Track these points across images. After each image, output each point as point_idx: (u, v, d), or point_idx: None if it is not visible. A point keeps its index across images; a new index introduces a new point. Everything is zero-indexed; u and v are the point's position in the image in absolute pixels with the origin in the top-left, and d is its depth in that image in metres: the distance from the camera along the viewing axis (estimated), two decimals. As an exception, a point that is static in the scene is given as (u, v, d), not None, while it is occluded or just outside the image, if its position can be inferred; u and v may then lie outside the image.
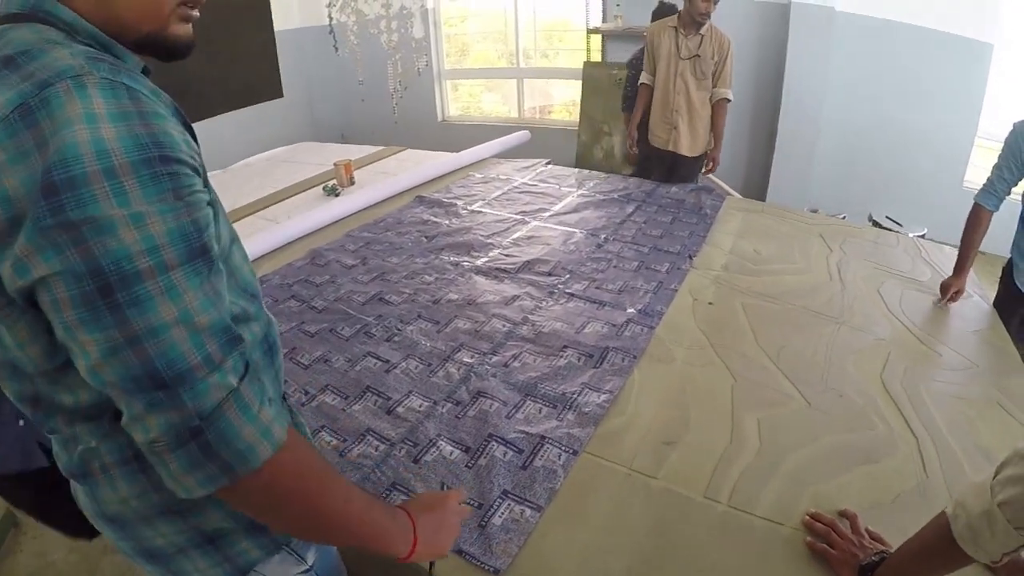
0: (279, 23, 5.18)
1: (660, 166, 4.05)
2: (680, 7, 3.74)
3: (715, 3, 3.57)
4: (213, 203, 0.79)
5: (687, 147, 3.90)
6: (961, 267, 2.37)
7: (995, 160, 2.34)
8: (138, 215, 0.65)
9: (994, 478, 0.90)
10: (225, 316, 0.73)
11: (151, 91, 0.71)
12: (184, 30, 0.82)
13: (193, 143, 0.75)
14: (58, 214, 0.62)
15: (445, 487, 1.15)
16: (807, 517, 1.35)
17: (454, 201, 3.32)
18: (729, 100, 3.84)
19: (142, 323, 0.65)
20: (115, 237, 0.64)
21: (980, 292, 2.45)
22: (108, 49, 0.75)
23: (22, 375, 0.78)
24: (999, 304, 2.40)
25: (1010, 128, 2.28)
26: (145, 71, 0.82)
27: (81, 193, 0.62)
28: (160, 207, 0.66)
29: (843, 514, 1.36)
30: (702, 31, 3.67)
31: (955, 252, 2.43)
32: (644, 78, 3.97)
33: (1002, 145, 2.30)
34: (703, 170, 4.05)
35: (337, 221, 3.15)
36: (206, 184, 0.76)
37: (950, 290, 2.35)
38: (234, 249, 0.93)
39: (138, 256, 0.65)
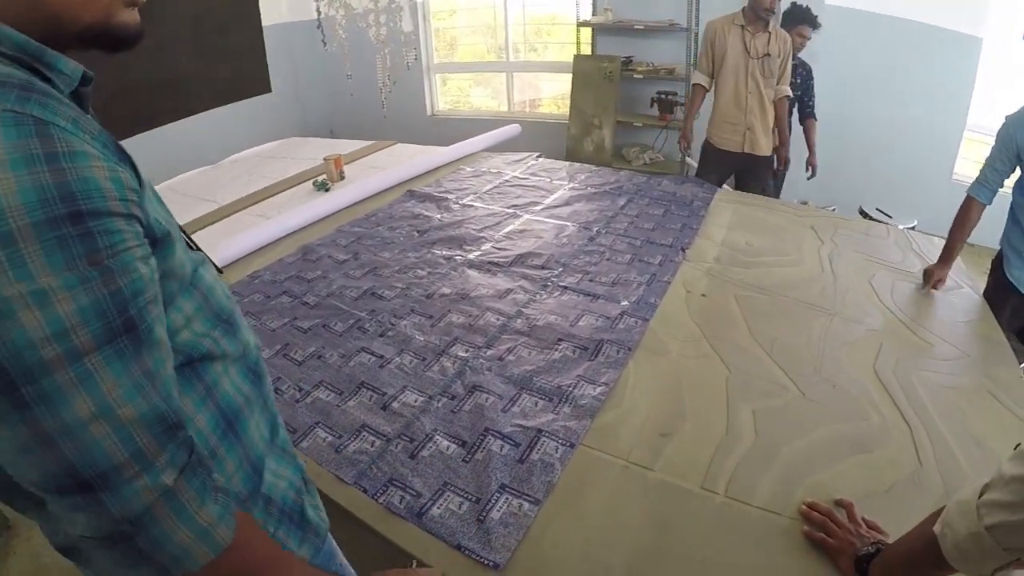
0: (267, 18, 5.16)
1: (727, 168, 3.91)
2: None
3: None
4: (162, 240, 0.70)
5: (765, 146, 3.79)
6: (947, 257, 2.39)
7: (987, 153, 2.36)
8: (40, 292, 0.55)
9: (979, 497, 0.91)
10: (161, 400, 0.63)
11: (71, 121, 0.60)
12: (131, 16, 0.73)
13: (131, 180, 0.64)
14: None
15: (415, 564, 1.12)
16: (804, 507, 1.35)
17: (445, 195, 3.32)
18: (790, 97, 3.77)
19: (53, 422, 0.56)
20: (13, 321, 0.54)
21: (970, 283, 2.47)
22: (39, 58, 0.64)
23: None
24: (989, 295, 2.41)
25: (1001, 121, 2.30)
26: (86, 80, 0.70)
27: None
28: (68, 279, 0.56)
29: (839, 503, 1.36)
30: (769, 28, 3.55)
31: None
32: (699, 79, 3.82)
33: (994, 138, 2.32)
34: (779, 168, 4.00)
35: (328, 216, 3.13)
36: (148, 225, 0.66)
37: (933, 278, 2.38)
38: (202, 273, 0.82)
39: (43, 343, 0.55)
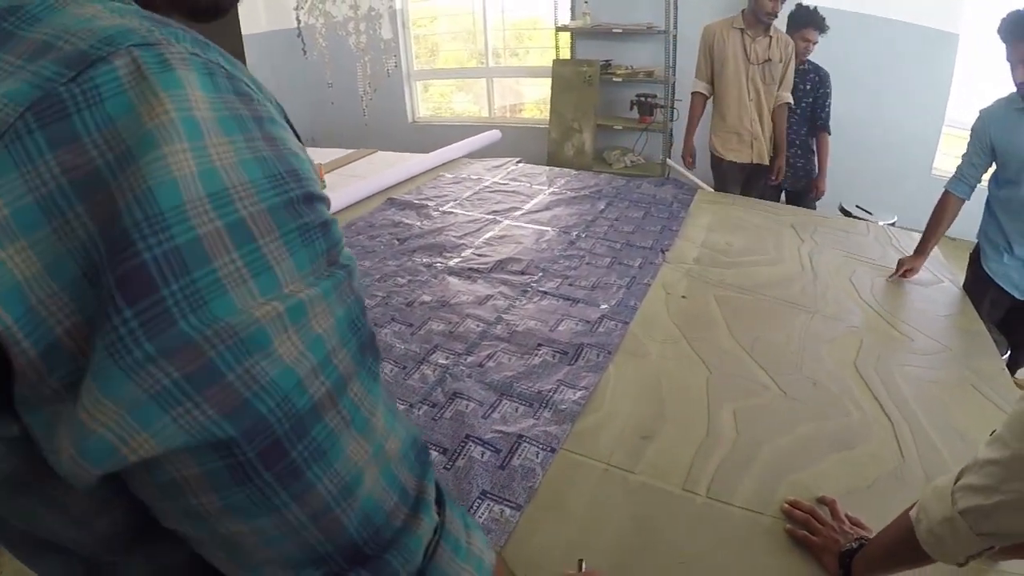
0: (246, 27, 5.13)
1: (735, 179, 3.74)
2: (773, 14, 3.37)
3: (782, 2, 3.32)
4: None
5: (766, 156, 3.66)
6: (921, 250, 2.41)
7: (963, 149, 2.38)
8: (298, 308, 0.39)
9: (955, 483, 0.91)
10: (404, 418, 0.50)
11: (252, 81, 0.43)
12: None
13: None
14: (159, 331, 0.34)
15: (583, 565, 1.09)
16: (786, 505, 1.35)
17: (425, 202, 3.30)
18: (790, 104, 3.62)
19: (329, 483, 0.41)
20: (270, 356, 0.37)
21: (951, 277, 2.48)
22: None
23: (67, 552, 0.49)
24: (968, 288, 2.43)
25: (976, 115, 2.33)
26: None
27: (196, 280, 0.35)
28: (322, 284, 0.41)
29: (822, 501, 1.36)
30: (770, 32, 3.40)
31: (924, 237, 2.46)
32: (698, 86, 3.66)
33: (969, 133, 2.34)
34: (776, 179, 3.77)
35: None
36: None
37: (903, 267, 2.39)
38: None
39: (310, 379, 0.39)
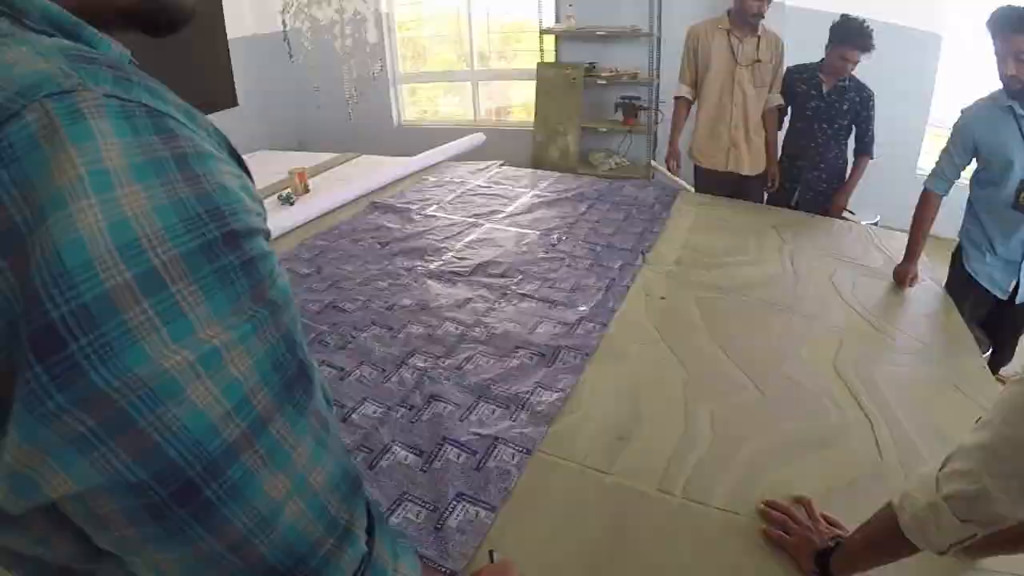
0: (232, 31, 5.12)
1: (718, 190, 3.49)
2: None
3: (768, 2, 3.17)
4: None
5: (750, 166, 3.45)
6: (912, 252, 2.41)
7: (943, 146, 2.39)
8: (211, 354, 0.39)
9: (940, 470, 0.91)
10: (341, 451, 0.50)
11: (184, 112, 0.44)
12: None
13: (252, 185, 0.49)
14: (69, 384, 0.36)
15: (495, 556, 1.09)
16: (762, 505, 1.35)
17: (408, 206, 3.29)
18: (782, 106, 3.43)
19: (246, 518, 0.42)
20: (181, 403, 0.38)
21: (932, 275, 2.49)
22: (76, 38, 0.46)
23: (41, 562, 0.51)
24: (950, 287, 2.44)
25: (958, 114, 2.33)
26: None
27: (105, 334, 0.36)
28: (239, 327, 0.41)
29: (798, 501, 1.36)
30: (758, 32, 3.26)
31: (907, 237, 2.46)
32: (681, 91, 3.49)
33: (950, 131, 2.35)
34: (771, 186, 3.54)
35: (292, 230, 3.08)
36: None
37: (907, 276, 2.37)
38: None
39: (224, 423, 0.40)
